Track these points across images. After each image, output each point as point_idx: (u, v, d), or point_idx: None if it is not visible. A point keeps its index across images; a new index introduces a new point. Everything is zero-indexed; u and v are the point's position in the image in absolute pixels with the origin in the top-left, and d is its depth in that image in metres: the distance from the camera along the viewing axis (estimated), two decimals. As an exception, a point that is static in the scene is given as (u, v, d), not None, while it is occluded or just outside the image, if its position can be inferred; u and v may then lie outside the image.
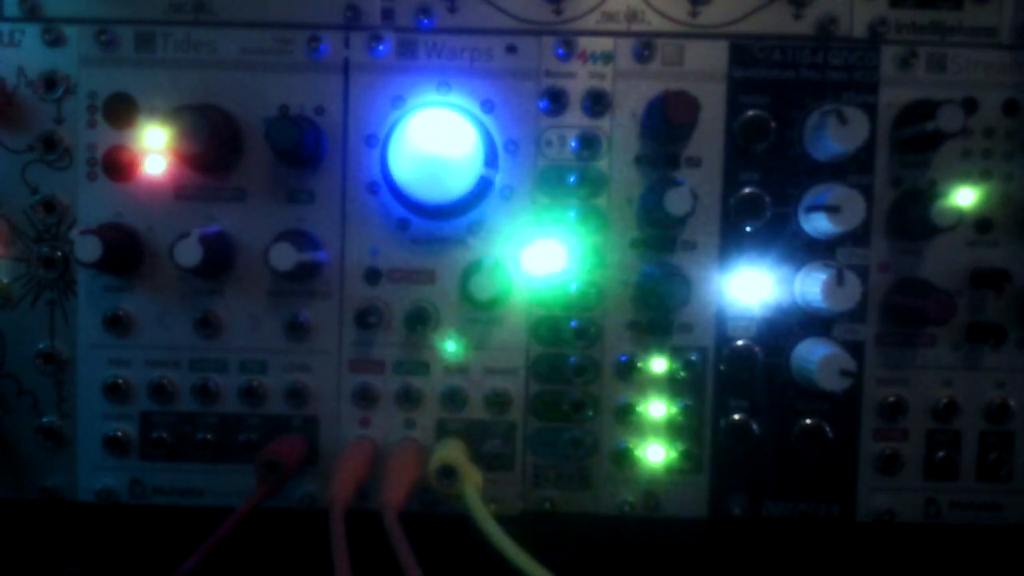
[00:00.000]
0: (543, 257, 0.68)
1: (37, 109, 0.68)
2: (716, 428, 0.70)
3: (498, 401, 0.69)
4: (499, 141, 0.68)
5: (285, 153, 0.65)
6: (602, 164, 0.68)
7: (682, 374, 0.69)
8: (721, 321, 0.69)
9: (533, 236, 0.68)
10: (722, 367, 0.69)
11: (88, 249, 0.63)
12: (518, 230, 0.68)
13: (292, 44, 0.68)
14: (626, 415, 0.69)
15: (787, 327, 0.69)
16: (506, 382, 0.69)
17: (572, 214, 0.68)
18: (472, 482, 0.64)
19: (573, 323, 0.68)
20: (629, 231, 0.69)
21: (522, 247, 0.68)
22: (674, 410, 0.70)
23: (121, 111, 0.68)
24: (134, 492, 0.70)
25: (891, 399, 0.69)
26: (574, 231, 0.68)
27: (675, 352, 0.69)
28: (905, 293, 0.68)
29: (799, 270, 0.68)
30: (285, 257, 0.63)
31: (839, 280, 0.64)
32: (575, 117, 0.68)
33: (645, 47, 0.68)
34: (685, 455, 0.70)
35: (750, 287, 0.69)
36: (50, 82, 0.67)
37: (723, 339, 0.69)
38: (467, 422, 0.70)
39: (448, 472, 0.63)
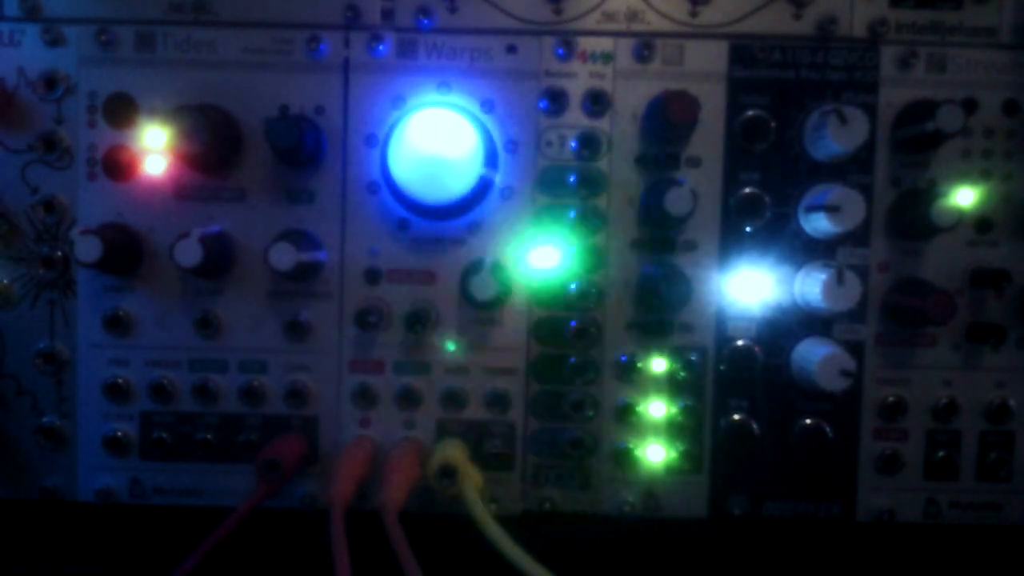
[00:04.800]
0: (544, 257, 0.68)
1: (37, 109, 0.68)
2: (716, 428, 0.70)
3: (498, 401, 0.69)
4: (499, 141, 0.68)
5: (285, 153, 0.65)
6: (602, 164, 0.68)
7: (682, 374, 0.69)
8: (721, 321, 0.69)
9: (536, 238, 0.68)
10: (722, 367, 0.69)
11: (88, 249, 0.63)
12: (518, 230, 0.68)
13: (292, 44, 0.68)
14: (626, 415, 0.69)
15: (787, 327, 0.69)
16: (506, 382, 0.69)
17: (572, 214, 0.68)
18: (472, 482, 0.64)
19: (573, 323, 0.68)
20: (629, 231, 0.69)
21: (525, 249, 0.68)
22: (674, 410, 0.70)
23: (121, 111, 0.68)
24: (134, 492, 0.70)
25: (891, 399, 0.69)
26: (573, 231, 0.68)
27: (675, 352, 0.69)
28: (905, 293, 0.68)
29: (799, 270, 0.68)
30: (285, 257, 0.63)
31: (839, 280, 0.64)
32: (575, 117, 0.68)
33: (645, 47, 0.68)
34: (685, 455, 0.70)
35: (750, 287, 0.69)
36: (50, 82, 0.67)
37: (723, 339, 0.69)
38: (467, 422, 0.70)
39: (448, 472, 0.63)
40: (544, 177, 0.68)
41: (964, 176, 0.68)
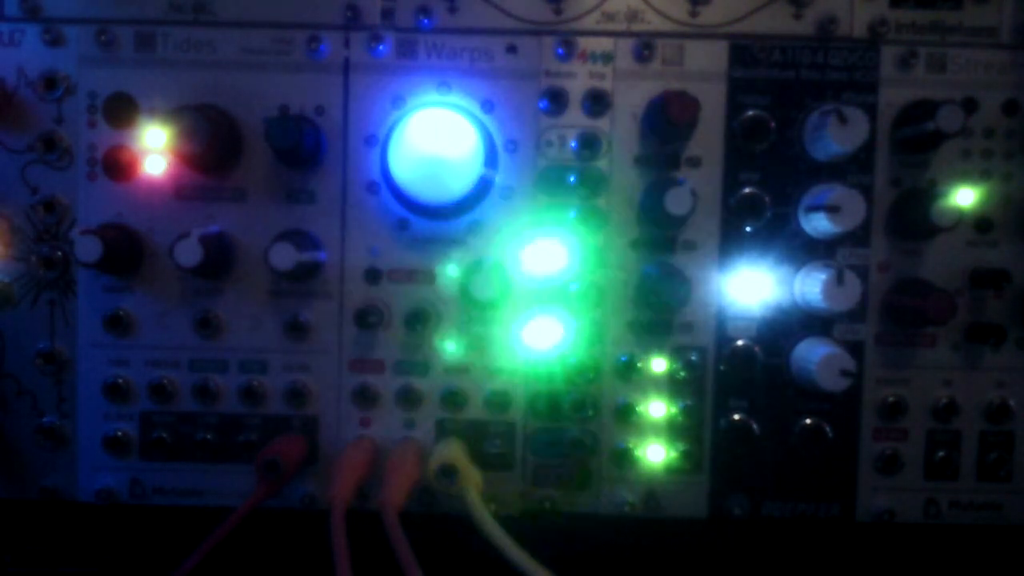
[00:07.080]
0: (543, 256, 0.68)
1: (37, 109, 0.68)
2: (716, 428, 0.70)
3: (498, 401, 0.69)
4: (499, 141, 0.68)
5: (285, 153, 0.65)
6: (602, 164, 0.68)
7: (682, 374, 0.69)
8: (721, 321, 0.69)
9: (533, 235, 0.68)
10: (722, 367, 0.69)
11: (88, 249, 0.63)
12: (518, 230, 0.68)
13: (292, 44, 0.68)
14: (626, 415, 0.69)
15: (787, 327, 0.69)
16: (506, 382, 0.69)
17: (572, 214, 0.68)
18: (472, 482, 0.64)
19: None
20: (629, 231, 0.69)
21: (521, 247, 0.68)
22: (674, 410, 0.70)
23: (121, 111, 0.68)
24: (134, 492, 0.70)
25: (891, 399, 0.69)
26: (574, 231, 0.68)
27: (675, 352, 0.69)
28: (905, 293, 0.68)
29: (799, 270, 0.68)
30: (285, 257, 0.63)
31: (839, 280, 0.64)
32: (575, 117, 0.68)
33: (645, 47, 0.68)
34: (685, 455, 0.70)
35: (750, 287, 0.69)
36: (50, 82, 0.67)
37: (723, 339, 0.69)
38: (467, 422, 0.70)
39: (448, 472, 0.63)
40: (544, 177, 0.68)
41: (964, 176, 0.68)
